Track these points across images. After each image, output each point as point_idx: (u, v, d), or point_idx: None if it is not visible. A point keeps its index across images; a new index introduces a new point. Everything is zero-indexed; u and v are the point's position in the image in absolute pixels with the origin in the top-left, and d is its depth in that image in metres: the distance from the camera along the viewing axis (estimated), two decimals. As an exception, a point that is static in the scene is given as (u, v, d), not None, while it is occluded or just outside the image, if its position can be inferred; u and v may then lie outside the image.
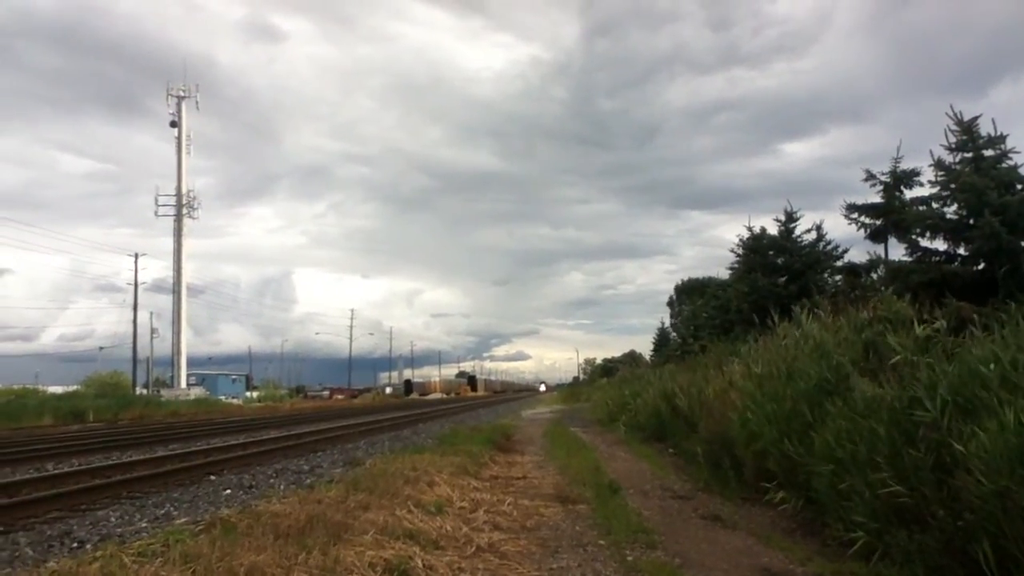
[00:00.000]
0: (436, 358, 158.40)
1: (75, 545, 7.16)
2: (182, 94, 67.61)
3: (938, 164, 12.83)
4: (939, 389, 5.74)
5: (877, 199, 15.38)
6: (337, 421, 30.50)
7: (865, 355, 8.03)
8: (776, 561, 6.40)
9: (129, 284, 62.41)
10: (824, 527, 7.12)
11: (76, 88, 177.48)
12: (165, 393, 58.36)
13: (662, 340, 43.70)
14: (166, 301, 66.88)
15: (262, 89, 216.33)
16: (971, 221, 12.03)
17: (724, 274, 24.82)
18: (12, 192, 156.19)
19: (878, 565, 5.75)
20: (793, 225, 18.74)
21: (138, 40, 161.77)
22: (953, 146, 12.62)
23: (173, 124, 67.57)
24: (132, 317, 62.16)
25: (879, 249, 15.58)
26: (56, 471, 12.93)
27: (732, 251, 20.30)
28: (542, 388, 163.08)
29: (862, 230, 15.59)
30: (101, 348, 75.56)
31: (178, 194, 65.81)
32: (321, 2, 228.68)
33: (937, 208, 13.10)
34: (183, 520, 8.01)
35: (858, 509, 6.14)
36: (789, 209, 18.74)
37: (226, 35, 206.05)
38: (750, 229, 19.50)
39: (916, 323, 7.71)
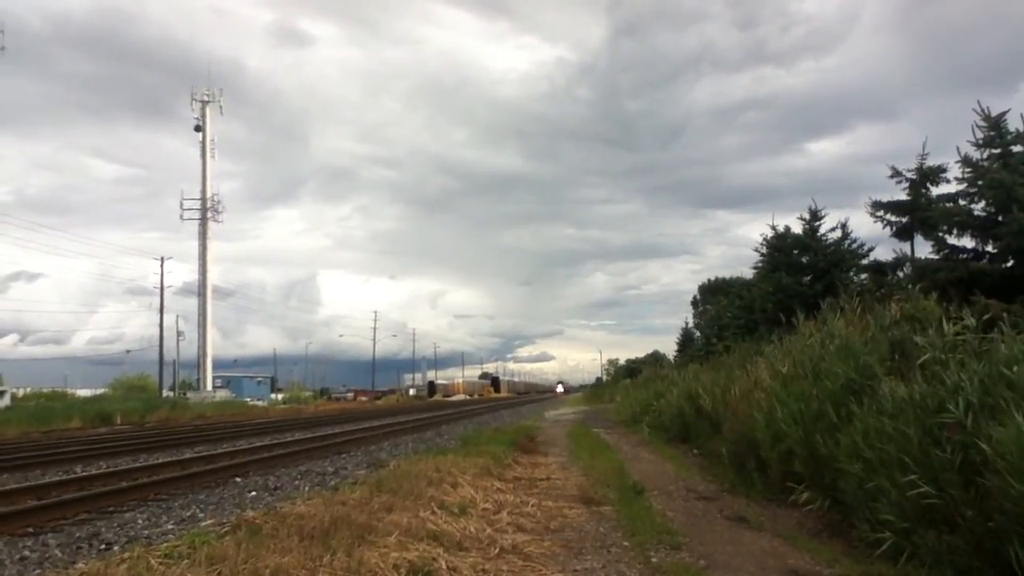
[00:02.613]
0: (459, 359, 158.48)
1: (103, 547, 7.24)
2: (206, 98, 68.22)
3: (965, 160, 12.67)
4: (964, 389, 5.66)
5: (903, 196, 15.19)
6: (361, 423, 30.63)
7: (892, 354, 7.94)
8: (802, 563, 6.34)
9: (157, 287, 63.16)
10: (851, 528, 7.04)
11: (107, 94, 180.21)
12: (191, 396, 58.89)
13: (686, 340, 43.46)
14: (194, 304, 67.47)
15: (289, 93, 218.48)
16: (999, 218, 11.88)
17: (748, 274, 24.69)
18: (43, 197, 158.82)
19: (906, 567, 5.67)
20: (818, 223, 18.57)
21: (168, 45, 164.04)
22: (981, 142, 12.46)
23: (197, 128, 68.22)
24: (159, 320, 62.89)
25: (905, 247, 15.41)
26: (84, 473, 13.09)
27: (756, 250, 20.16)
28: (559, 389, 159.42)
29: (888, 228, 15.41)
30: (128, 351, 76.69)
31: (203, 198, 66.42)
32: (348, 6, 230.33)
33: (964, 205, 12.95)
34: (209, 522, 8.07)
35: (885, 510, 6.06)
36: (814, 207, 18.60)
37: (255, 40, 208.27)
38: (774, 228, 19.36)
39: (944, 321, 7.61)
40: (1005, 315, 7.11)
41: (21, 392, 56.25)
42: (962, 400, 5.55)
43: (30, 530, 8.13)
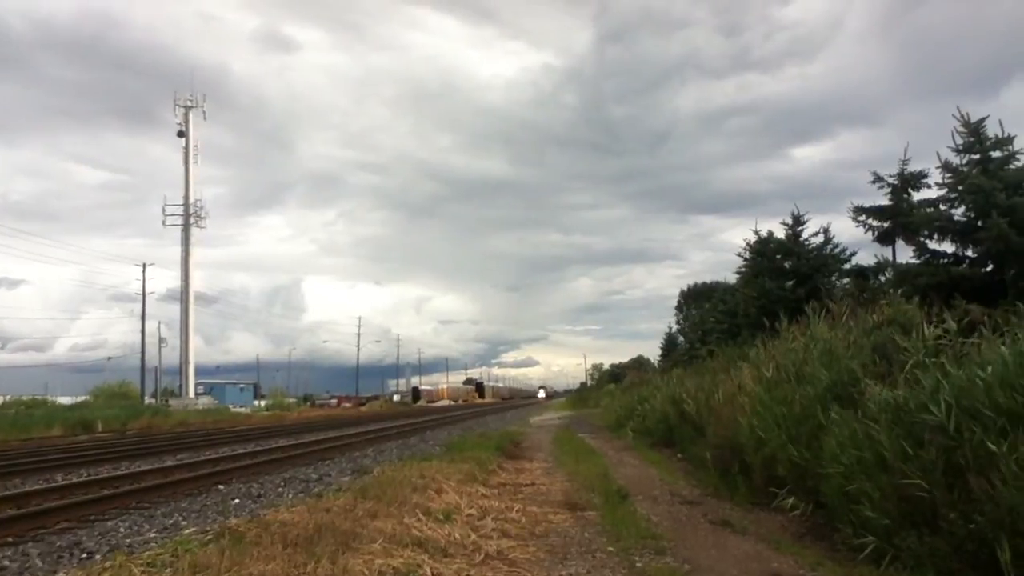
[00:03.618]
0: (444, 365, 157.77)
1: (84, 556, 7.16)
2: (189, 104, 67.96)
3: (945, 166, 12.80)
4: (943, 393, 5.70)
5: (885, 201, 15.33)
6: (345, 429, 30.51)
7: (874, 358, 7.99)
8: (786, 566, 6.36)
9: (140, 294, 62.74)
10: (834, 532, 7.08)
11: (92, 99, 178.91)
12: (173, 403, 58.42)
13: (670, 345, 43.70)
14: (178, 310, 66.98)
15: (275, 98, 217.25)
16: (979, 223, 11.99)
17: (732, 278, 24.81)
18: (27, 204, 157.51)
19: (889, 569, 5.71)
20: (800, 228, 18.70)
21: (154, 51, 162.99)
22: (960, 148, 12.59)
23: (180, 134, 67.88)
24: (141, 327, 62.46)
25: (887, 252, 15.55)
26: (65, 482, 12.95)
27: (740, 255, 20.27)
28: (541, 394, 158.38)
29: (870, 233, 15.55)
30: (109, 358, 76.02)
31: (185, 204, 66.05)
32: (334, 12, 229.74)
33: (945, 210, 13.08)
34: (192, 530, 8.01)
35: (867, 508, 6.10)
36: (797, 212, 18.73)
37: (240, 45, 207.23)
38: (757, 233, 19.47)
39: (925, 326, 7.67)
40: (986, 319, 7.18)
41: (1, 400, 55.68)
42: (943, 402, 5.59)
43: (10, 540, 8.03)
